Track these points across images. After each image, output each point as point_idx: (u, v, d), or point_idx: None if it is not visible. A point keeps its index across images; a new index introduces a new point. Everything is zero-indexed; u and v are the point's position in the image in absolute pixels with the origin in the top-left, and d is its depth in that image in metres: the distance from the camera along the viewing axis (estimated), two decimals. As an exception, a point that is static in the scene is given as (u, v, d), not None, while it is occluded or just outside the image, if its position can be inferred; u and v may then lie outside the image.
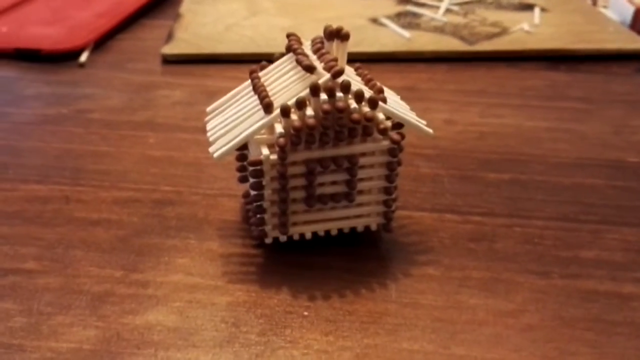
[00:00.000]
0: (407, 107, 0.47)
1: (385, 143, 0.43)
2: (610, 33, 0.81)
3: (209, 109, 0.48)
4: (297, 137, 0.41)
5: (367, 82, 0.45)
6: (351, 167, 0.43)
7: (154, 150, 0.58)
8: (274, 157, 0.42)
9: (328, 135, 0.42)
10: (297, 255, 0.46)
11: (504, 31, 0.81)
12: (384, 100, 0.43)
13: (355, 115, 0.41)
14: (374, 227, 0.47)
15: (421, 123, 0.45)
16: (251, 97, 0.45)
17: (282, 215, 0.44)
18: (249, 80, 0.46)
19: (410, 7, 0.88)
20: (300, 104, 0.41)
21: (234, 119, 0.44)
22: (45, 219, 0.50)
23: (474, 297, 0.43)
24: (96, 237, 0.48)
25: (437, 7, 0.88)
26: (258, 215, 0.44)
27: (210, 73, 0.73)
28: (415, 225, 0.49)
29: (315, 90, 0.41)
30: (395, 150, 0.43)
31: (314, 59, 0.44)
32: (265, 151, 0.42)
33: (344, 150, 0.43)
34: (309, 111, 0.41)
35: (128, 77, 0.72)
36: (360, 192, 0.45)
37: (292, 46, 0.45)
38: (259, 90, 0.44)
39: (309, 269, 0.45)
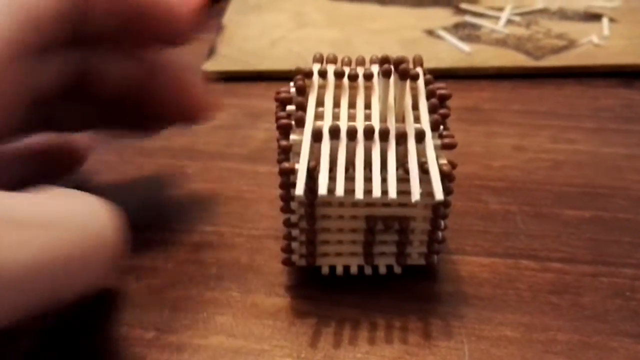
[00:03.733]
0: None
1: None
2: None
3: None
4: None
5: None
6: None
7: (192, 183, 0.53)
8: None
9: None
10: (353, 310, 0.40)
11: (571, 44, 0.74)
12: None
13: None
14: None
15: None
16: None
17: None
18: None
19: (468, 18, 0.82)
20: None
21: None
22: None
23: (562, 367, 0.37)
24: (126, 288, 0.42)
25: (497, 18, 0.81)
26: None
27: (255, 92, 0.67)
28: (487, 274, 0.43)
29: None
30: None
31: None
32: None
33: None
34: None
35: (166, 98, 0.66)
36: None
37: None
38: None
39: (368, 330, 0.39)
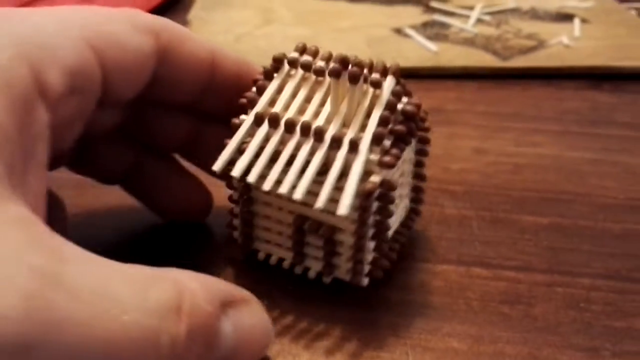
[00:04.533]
0: None
1: None
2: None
3: None
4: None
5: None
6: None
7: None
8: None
9: None
10: (287, 316, 0.39)
11: (540, 45, 0.73)
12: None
13: None
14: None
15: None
16: None
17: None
18: None
19: (437, 17, 0.80)
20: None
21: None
22: None
23: (508, 382, 0.35)
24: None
25: (467, 17, 0.80)
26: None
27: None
28: (438, 281, 0.42)
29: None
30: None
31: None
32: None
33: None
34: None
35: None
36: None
37: None
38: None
39: (306, 338, 0.38)
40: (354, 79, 0.36)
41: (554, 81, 0.68)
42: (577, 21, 0.78)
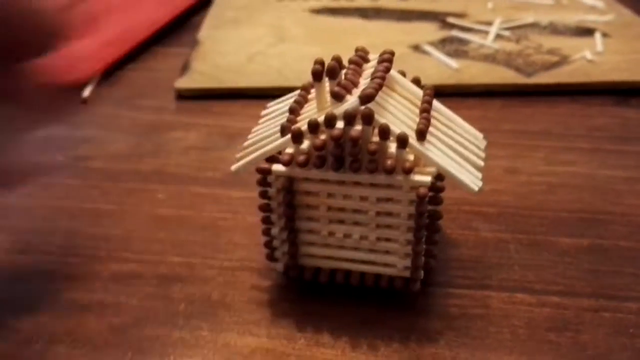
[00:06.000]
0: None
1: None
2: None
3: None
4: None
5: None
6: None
7: (162, 208, 0.49)
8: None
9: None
10: (329, 351, 0.37)
11: (563, 60, 0.71)
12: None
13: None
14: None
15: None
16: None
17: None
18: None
19: (455, 32, 0.79)
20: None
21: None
22: (23, 303, 0.41)
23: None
24: (85, 327, 0.39)
25: (486, 32, 0.78)
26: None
27: (231, 111, 0.63)
28: (480, 309, 0.40)
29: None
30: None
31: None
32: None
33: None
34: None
35: (136, 116, 0.63)
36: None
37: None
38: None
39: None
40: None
41: (579, 97, 0.66)
42: (598, 35, 0.77)
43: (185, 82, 0.67)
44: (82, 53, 0.72)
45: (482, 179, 0.37)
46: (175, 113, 0.63)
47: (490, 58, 0.72)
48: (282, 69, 0.70)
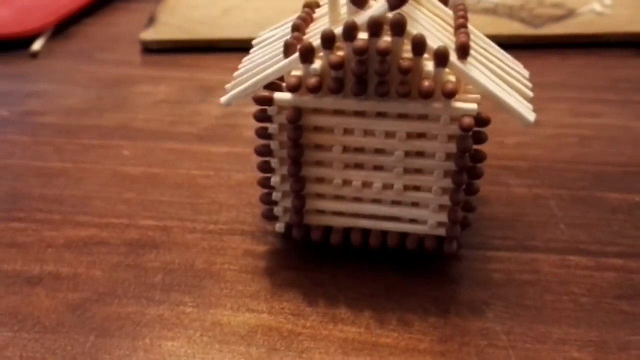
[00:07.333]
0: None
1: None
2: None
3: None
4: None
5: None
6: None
7: (129, 166, 0.41)
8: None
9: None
10: (350, 329, 0.29)
11: (569, 13, 0.64)
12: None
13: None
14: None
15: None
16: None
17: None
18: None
19: (449, -13, 0.71)
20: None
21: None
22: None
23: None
24: (34, 306, 0.30)
25: (481, -13, 0.71)
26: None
27: (205, 63, 0.55)
28: (529, 274, 0.32)
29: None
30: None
31: None
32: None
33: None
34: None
35: (96, 70, 0.54)
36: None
37: None
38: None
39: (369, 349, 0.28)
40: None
41: (594, 49, 0.59)
42: (605, -12, 0.70)
43: (152, 34, 0.59)
44: (31, 3, 0.64)
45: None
46: (140, 66, 0.55)
47: (491, 11, 0.65)
48: (260, 21, 0.62)
